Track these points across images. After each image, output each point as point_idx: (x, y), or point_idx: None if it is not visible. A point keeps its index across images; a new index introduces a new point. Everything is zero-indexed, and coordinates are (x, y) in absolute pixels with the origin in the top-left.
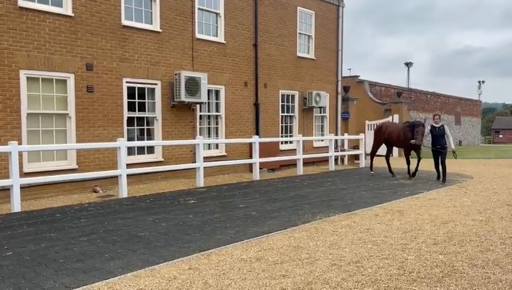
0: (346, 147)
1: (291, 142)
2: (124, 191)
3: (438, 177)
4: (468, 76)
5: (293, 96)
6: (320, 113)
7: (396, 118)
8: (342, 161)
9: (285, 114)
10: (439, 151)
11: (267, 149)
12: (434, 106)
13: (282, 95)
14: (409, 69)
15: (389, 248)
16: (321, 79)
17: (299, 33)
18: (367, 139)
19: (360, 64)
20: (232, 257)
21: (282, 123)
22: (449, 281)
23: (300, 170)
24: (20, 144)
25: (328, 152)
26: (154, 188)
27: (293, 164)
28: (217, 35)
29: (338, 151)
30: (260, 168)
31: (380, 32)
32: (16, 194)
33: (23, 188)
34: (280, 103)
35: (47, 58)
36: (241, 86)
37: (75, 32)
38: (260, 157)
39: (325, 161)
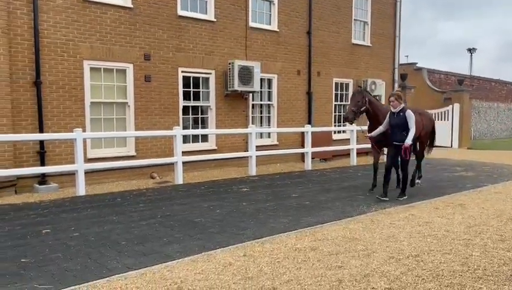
0: None
1: (344, 131)
2: (179, 177)
3: (398, 184)
4: None
5: (347, 84)
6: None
7: (457, 108)
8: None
9: (339, 103)
10: (396, 149)
11: (320, 138)
12: (499, 95)
13: (336, 84)
14: (471, 55)
15: (450, 243)
16: (377, 67)
17: (354, 19)
18: None
19: (418, 50)
20: (286, 246)
21: (335, 112)
22: None
23: (353, 160)
24: (84, 131)
25: None
26: (208, 176)
27: (346, 154)
28: (270, 24)
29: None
30: (312, 158)
31: (440, 16)
32: (81, 178)
33: (86, 173)
34: (333, 92)
35: (108, 48)
36: (293, 74)
37: (134, 23)
38: (312, 146)
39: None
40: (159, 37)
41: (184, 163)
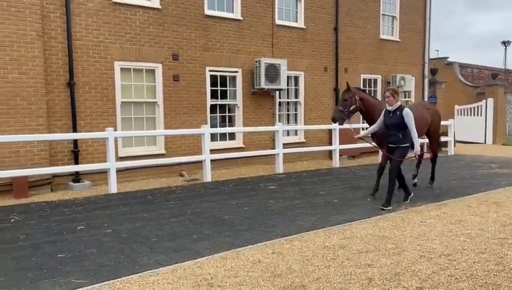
0: None
1: None
2: (207, 175)
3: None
4: None
5: (375, 80)
6: (405, 98)
7: (490, 103)
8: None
9: None
10: (391, 152)
11: (348, 136)
12: None
13: (364, 80)
14: (506, 48)
15: (485, 242)
16: (406, 62)
17: (382, 14)
18: (457, 125)
19: (450, 44)
20: (315, 244)
21: None
22: None
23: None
24: (115, 130)
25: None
26: (235, 173)
27: (374, 151)
28: (296, 21)
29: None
30: (340, 155)
31: (472, 8)
32: (113, 176)
33: (118, 171)
34: (361, 88)
35: (138, 49)
36: (320, 71)
37: (162, 24)
38: (340, 144)
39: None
40: (187, 36)
41: (212, 161)
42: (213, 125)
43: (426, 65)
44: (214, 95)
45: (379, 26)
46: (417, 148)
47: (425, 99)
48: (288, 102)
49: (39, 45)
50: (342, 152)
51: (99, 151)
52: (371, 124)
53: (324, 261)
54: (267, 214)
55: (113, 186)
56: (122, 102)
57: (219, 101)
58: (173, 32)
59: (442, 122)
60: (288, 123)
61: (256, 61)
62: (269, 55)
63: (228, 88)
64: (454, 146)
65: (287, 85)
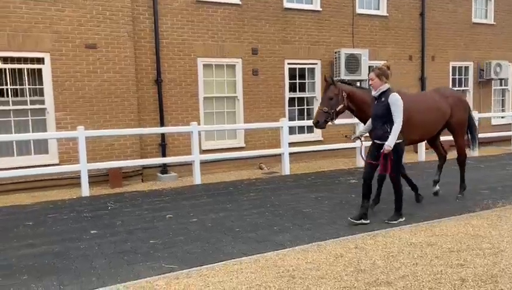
0: None
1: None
2: (286, 168)
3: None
4: None
5: (466, 68)
6: (501, 86)
7: None
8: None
9: (457, 88)
10: (377, 148)
11: None
12: None
13: (453, 68)
14: None
15: None
16: (502, 47)
17: None
18: None
19: None
20: (400, 240)
21: None
22: None
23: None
24: (198, 124)
25: (510, 130)
26: (314, 167)
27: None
28: (378, 8)
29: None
30: (426, 149)
31: None
32: (197, 168)
33: (201, 163)
34: (450, 76)
35: (219, 45)
36: (405, 60)
37: (242, 19)
38: None
39: (507, 140)
40: (266, 30)
41: (290, 154)
42: (291, 119)
43: None
44: (292, 88)
45: (471, 9)
46: (389, 142)
47: None
48: None
49: (130, 45)
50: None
51: (184, 145)
52: (366, 122)
53: (410, 259)
54: (348, 208)
55: (197, 178)
56: (204, 97)
57: (297, 94)
58: (252, 27)
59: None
60: None
61: (335, 52)
62: (349, 46)
63: (306, 80)
64: None
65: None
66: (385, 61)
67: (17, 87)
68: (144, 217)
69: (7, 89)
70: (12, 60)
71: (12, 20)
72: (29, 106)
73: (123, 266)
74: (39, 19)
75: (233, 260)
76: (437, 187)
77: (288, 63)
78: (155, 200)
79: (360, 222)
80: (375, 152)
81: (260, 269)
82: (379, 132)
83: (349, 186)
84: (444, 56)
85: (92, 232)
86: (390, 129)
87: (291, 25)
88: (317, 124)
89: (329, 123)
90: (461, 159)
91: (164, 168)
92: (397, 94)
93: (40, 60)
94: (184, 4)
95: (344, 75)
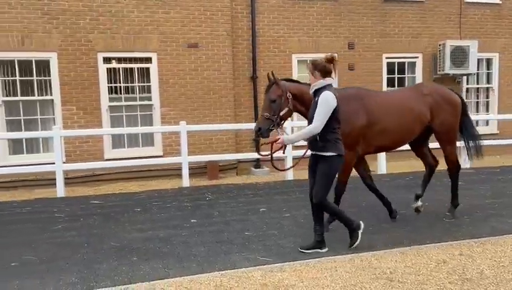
0: None
1: None
2: (382, 167)
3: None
4: None
5: None
6: None
7: None
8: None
9: None
10: (315, 161)
11: None
12: None
13: None
14: None
15: None
16: None
17: None
18: None
19: None
20: None
21: None
22: None
23: None
24: (291, 120)
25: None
26: (411, 166)
27: None
28: None
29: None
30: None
31: None
32: (289, 164)
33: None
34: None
35: (314, 41)
36: None
37: (338, 13)
38: None
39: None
40: (363, 24)
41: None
42: None
43: None
44: (389, 82)
45: None
46: (287, 138)
47: None
48: (477, 88)
49: (229, 43)
50: None
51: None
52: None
53: None
54: (445, 211)
55: (289, 174)
56: None
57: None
58: (349, 21)
59: None
60: (477, 112)
61: (439, 45)
62: (456, 37)
63: (406, 75)
64: None
65: (477, 69)
66: (330, 53)
67: (128, 84)
68: (239, 209)
69: (120, 87)
70: (124, 60)
71: (126, 24)
72: (138, 102)
73: (220, 255)
74: (148, 21)
75: (326, 257)
76: (419, 203)
77: (387, 57)
78: (249, 193)
79: (314, 250)
80: (314, 166)
81: (355, 269)
82: (311, 139)
83: (447, 188)
84: None
85: (192, 221)
86: (322, 138)
87: (391, 17)
88: (259, 132)
89: (276, 130)
90: (452, 171)
91: (257, 163)
92: (330, 93)
93: (148, 60)
94: (281, 1)
95: (449, 69)
